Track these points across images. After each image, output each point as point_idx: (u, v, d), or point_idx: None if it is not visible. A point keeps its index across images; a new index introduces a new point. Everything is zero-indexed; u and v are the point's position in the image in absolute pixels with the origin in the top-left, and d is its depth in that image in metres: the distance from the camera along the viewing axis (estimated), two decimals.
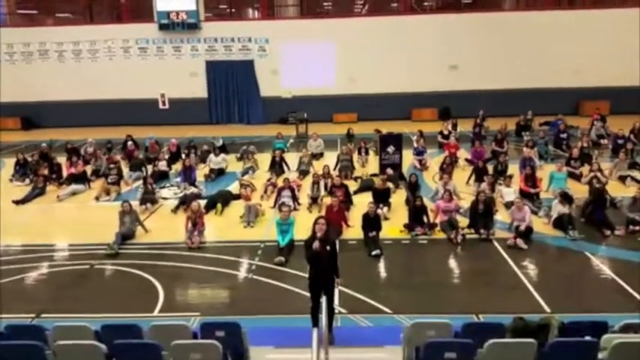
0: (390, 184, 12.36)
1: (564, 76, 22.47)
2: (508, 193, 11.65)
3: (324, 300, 6.02)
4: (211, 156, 15.63)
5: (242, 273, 8.80)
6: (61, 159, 15.79)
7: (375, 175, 13.55)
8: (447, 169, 13.38)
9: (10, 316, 7.04)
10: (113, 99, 24.03)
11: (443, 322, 5.33)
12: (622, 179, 12.99)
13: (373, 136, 17.13)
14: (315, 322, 6.11)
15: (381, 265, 8.96)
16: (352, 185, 12.98)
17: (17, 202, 12.85)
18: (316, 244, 6.12)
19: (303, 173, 14.42)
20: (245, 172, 14.60)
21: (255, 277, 8.59)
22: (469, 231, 10.07)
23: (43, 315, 7.41)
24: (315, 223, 6.36)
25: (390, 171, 13.47)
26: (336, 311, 7.03)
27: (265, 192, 12.78)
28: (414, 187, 11.81)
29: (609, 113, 20.96)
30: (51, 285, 8.64)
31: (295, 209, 11.53)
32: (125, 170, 14.99)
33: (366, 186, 12.77)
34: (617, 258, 8.90)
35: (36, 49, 24.40)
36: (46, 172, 14.77)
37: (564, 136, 17.11)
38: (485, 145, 15.97)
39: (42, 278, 8.89)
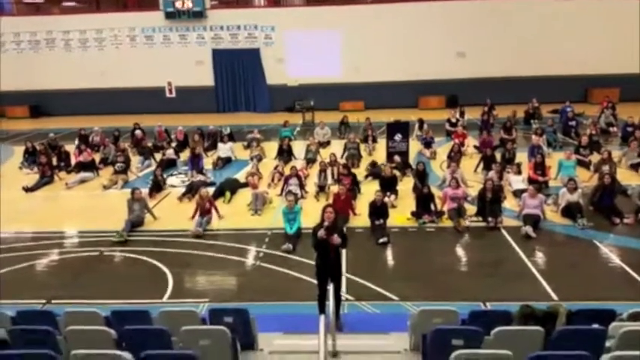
0: (396, 172, 12.32)
1: (573, 64, 22.21)
2: (516, 181, 11.59)
3: (331, 287, 6.04)
4: (219, 144, 15.72)
5: (250, 260, 8.86)
6: (70, 147, 15.89)
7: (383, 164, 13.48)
8: (455, 157, 13.33)
9: (22, 302, 7.13)
10: (120, 87, 24.09)
11: (450, 309, 5.34)
12: (634, 167, 12.86)
13: (364, 125, 17.14)
14: (322, 309, 6.14)
15: (388, 253, 8.97)
16: (360, 173, 12.92)
17: (27, 190, 12.97)
18: (321, 232, 6.13)
19: (310, 161, 14.41)
20: (254, 158, 14.67)
21: (262, 264, 8.64)
22: (477, 219, 10.05)
23: (54, 301, 7.50)
24: (324, 211, 6.37)
25: (397, 158, 13.44)
26: (343, 298, 7.06)
27: (272, 180, 12.80)
28: (422, 176, 11.76)
29: (619, 100, 20.74)
30: (61, 272, 8.74)
31: (302, 197, 11.54)
32: (134, 158, 15.06)
33: (376, 172, 12.68)
34: (625, 246, 8.86)
35: (43, 38, 24.49)
36: (54, 160, 14.85)
37: (573, 123, 16.96)
38: (493, 133, 15.86)
39: (52, 265, 9.00)
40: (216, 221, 10.56)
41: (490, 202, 10.06)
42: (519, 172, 11.80)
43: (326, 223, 6.22)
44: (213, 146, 16.27)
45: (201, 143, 16.00)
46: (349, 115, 19.10)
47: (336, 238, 6.17)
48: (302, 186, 11.90)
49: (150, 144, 16.53)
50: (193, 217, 10.29)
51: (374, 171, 12.86)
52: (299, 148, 15.78)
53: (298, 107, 21.76)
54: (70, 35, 24.41)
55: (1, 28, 24.03)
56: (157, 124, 17.79)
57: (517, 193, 10.96)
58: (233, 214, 11.06)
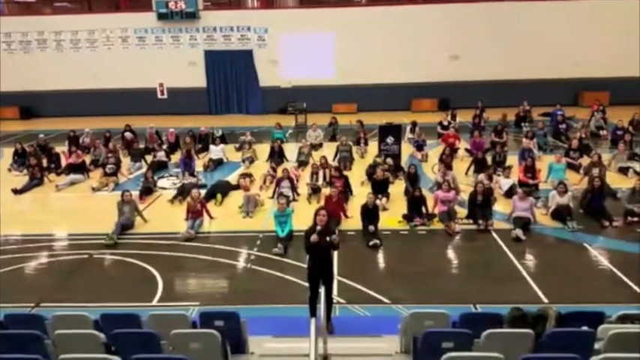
0: (388, 174, 12.32)
1: (564, 67, 22.39)
2: (506, 183, 11.66)
3: (322, 290, 6.04)
4: (211, 146, 15.68)
5: (241, 263, 8.83)
6: (60, 148, 15.78)
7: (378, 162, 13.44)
8: (447, 159, 13.37)
9: (10, 306, 7.05)
10: (112, 88, 23.94)
11: (440, 312, 5.35)
12: (623, 171, 12.96)
13: (354, 127, 17.22)
14: (313, 312, 6.13)
15: (380, 256, 8.99)
16: (352, 176, 12.91)
17: (16, 192, 12.85)
18: (314, 237, 6.12)
19: (302, 164, 14.40)
20: (246, 160, 14.72)
21: (253, 267, 8.61)
22: (467, 221, 10.09)
23: (43, 304, 7.43)
24: (316, 214, 6.35)
25: (389, 161, 13.45)
26: (335, 301, 7.06)
27: (264, 182, 12.78)
28: (413, 179, 11.79)
29: (609, 104, 20.88)
30: (50, 275, 8.66)
31: (294, 200, 11.53)
32: (125, 160, 14.98)
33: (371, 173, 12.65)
34: (615, 249, 8.93)
35: (34, 39, 24.28)
36: (44, 162, 14.72)
37: (563, 126, 17.11)
38: (484, 136, 15.95)
39: (41, 268, 8.92)
40: (208, 224, 10.52)
41: (481, 204, 10.11)
42: (508, 176, 11.87)
43: (318, 227, 6.21)
44: (205, 148, 16.24)
45: (193, 145, 15.94)
46: (342, 117, 19.15)
47: (335, 240, 6.22)
48: (294, 188, 11.89)
49: (141, 146, 16.44)
50: (187, 218, 10.25)
51: (370, 172, 12.82)
52: (291, 150, 15.77)
53: (291, 109, 21.75)
54: (61, 36, 24.23)
55: None
56: (149, 125, 17.70)
57: (508, 194, 11.06)
58: (224, 216, 11.02)
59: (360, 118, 18.20)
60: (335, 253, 8.68)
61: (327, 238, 6.20)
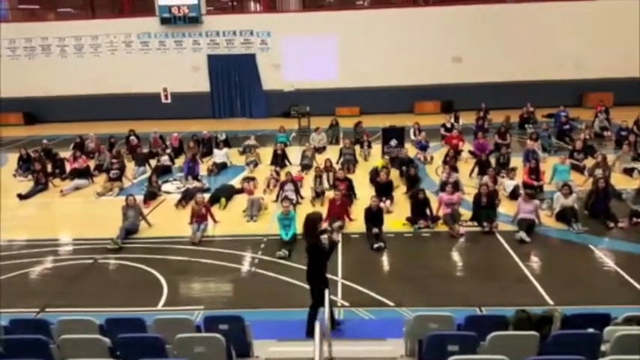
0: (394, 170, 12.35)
1: (568, 68, 22.36)
2: (510, 185, 11.63)
3: (326, 292, 6.02)
4: (215, 150, 15.72)
5: (245, 267, 8.83)
6: (65, 154, 15.84)
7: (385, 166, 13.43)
8: (450, 161, 13.35)
9: (15, 311, 7.07)
10: (115, 93, 24.06)
11: (445, 314, 5.35)
12: (627, 172, 12.89)
13: (354, 130, 17.27)
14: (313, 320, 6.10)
15: (384, 259, 8.97)
16: (355, 179, 12.90)
17: (21, 197, 12.91)
18: (336, 237, 6.17)
19: (306, 167, 14.40)
20: (250, 164, 14.76)
21: (258, 270, 8.61)
22: (472, 223, 10.07)
23: (48, 309, 7.45)
24: (319, 219, 6.34)
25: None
26: (339, 304, 7.05)
27: (268, 186, 12.79)
28: (413, 180, 11.75)
29: (613, 105, 20.82)
30: (55, 279, 8.68)
31: (298, 203, 11.54)
32: (129, 165, 15.02)
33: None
34: (620, 250, 8.88)
35: (38, 44, 24.42)
36: (48, 167, 14.78)
37: (567, 128, 17.06)
38: (488, 138, 15.91)
39: (46, 273, 8.94)
40: (212, 228, 10.53)
41: (485, 206, 10.09)
42: (512, 178, 11.84)
43: (328, 228, 6.27)
44: (209, 152, 16.26)
45: (197, 149, 15.97)
46: (346, 120, 19.16)
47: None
48: (298, 192, 11.89)
49: (145, 150, 16.48)
50: (192, 222, 10.26)
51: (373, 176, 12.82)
52: (295, 153, 15.78)
53: (294, 113, 21.77)
54: (65, 41, 24.36)
55: None
56: (153, 130, 17.76)
57: (513, 195, 11.07)
58: (229, 220, 11.03)
59: (363, 121, 18.21)
60: (339, 256, 8.73)
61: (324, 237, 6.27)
